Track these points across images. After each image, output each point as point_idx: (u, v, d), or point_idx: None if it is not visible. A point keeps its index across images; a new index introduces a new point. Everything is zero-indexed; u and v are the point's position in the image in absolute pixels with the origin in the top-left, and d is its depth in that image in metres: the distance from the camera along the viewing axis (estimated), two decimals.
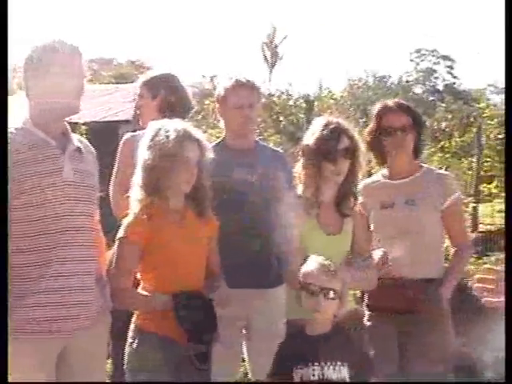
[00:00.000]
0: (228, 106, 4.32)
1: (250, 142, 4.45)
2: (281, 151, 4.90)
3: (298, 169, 3.83)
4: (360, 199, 4.24)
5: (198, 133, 3.56)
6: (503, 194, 13.72)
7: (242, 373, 5.13)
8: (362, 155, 3.83)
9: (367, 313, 4.27)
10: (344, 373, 3.29)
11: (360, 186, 4.35)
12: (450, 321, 4.19)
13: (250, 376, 4.61)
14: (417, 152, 4.27)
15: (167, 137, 3.42)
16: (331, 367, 3.27)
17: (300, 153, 3.84)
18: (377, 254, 3.96)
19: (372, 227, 4.26)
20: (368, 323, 4.24)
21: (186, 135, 3.46)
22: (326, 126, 3.74)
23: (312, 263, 3.37)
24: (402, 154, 4.21)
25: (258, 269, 4.16)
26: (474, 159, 12.32)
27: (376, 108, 4.33)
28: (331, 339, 3.35)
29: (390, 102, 4.30)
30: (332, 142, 3.70)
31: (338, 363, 3.29)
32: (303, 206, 3.74)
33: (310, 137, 3.79)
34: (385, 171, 4.33)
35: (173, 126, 3.49)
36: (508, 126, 2.57)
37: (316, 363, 3.26)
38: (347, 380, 3.28)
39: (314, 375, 3.24)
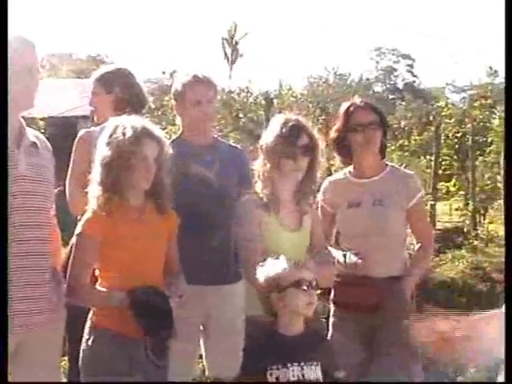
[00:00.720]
0: (186, 102, 4.29)
1: (208, 138, 4.43)
2: (239, 148, 4.89)
3: (258, 166, 3.82)
4: (326, 196, 4.28)
5: (156, 130, 3.54)
6: (461, 192, 13.91)
7: (200, 370, 5.12)
8: (320, 152, 3.83)
9: (332, 308, 4.27)
10: (318, 372, 3.28)
11: (326, 182, 4.39)
12: (408, 321, 4.18)
13: (207, 373, 4.60)
14: (383, 151, 4.28)
15: (124, 134, 3.40)
16: (309, 367, 3.25)
17: (259, 150, 3.83)
18: (352, 259, 3.99)
19: (338, 225, 4.27)
20: (333, 319, 4.25)
21: (144, 132, 3.44)
22: (286, 123, 3.74)
23: (280, 263, 3.33)
24: (369, 152, 4.20)
25: (216, 265, 4.15)
26: (433, 157, 12.40)
27: (343, 106, 4.33)
28: (305, 338, 3.33)
29: (358, 100, 4.30)
30: (291, 140, 3.70)
31: (314, 363, 3.28)
32: (262, 202, 3.74)
33: (269, 134, 3.79)
34: (350, 169, 4.32)
35: (131, 123, 3.46)
36: (508, 126, 2.59)
37: (295, 363, 3.24)
38: (320, 380, 3.27)
39: (293, 376, 3.21)
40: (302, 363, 3.24)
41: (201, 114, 4.26)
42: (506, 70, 2.88)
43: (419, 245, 4.30)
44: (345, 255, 3.98)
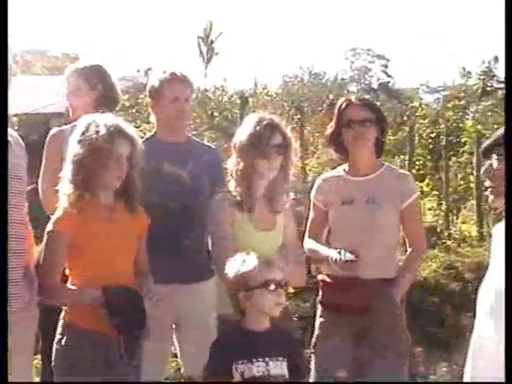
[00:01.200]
0: (163, 99, 4.27)
1: (182, 136, 4.42)
2: (213, 146, 4.89)
3: (231, 164, 3.81)
4: (319, 193, 4.26)
5: (129, 128, 3.53)
6: (434, 192, 13.98)
7: (174, 368, 5.13)
8: (294, 152, 3.83)
9: (320, 309, 4.24)
10: (284, 368, 3.28)
11: (319, 180, 4.38)
12: (404, 321, 4.18)
13: (182, 371, 4.60)
14: (378, 150, 4.25)
15: (97, 132, 3.39)
16: (274, 363, 3.25)
17: (232, 148, 3.82)
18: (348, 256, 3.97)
19: (331, 223, 4.24)
20: (320, 319, 4.22)
21: (116, 131, 3.43)
22: (259, 122, 3.73)
23: (251, 261, 3.31)
24: (363, 149, 4.17)
25: (189, 264, 4.15)
26: (407, 157, 12.47)
27: (339, 102, 4.30)
28: (271, 335, 3.33)
29: (354, 97, 4.28)
30: (265, 138, 3.69)
31: (280, 359, 3.27)
32: (235, 201, 3.73)
33: (242, 133, 3.77)
34: (346, 166, 4.28)
35: (104, 121, 3.45)
36: (508, 126, 2.59)
37: (260, 359, 3.24)
38: (286, 376, 3.27)
39: (258, 371, 3.21)
40: (267, 359, 3.24)
41: (177, 111, 4.24)
42: (505, 70, 2.89)
43: (411, 248, 4.25)
44: (340, 252, 3.93)
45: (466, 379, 3.04)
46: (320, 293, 4.23)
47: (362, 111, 4.14)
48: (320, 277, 4.19)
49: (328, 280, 4.13)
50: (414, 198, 4.22)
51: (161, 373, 4.42)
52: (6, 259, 3.04)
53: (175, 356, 4.66)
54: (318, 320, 4.22)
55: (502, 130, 2.98)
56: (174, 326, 4.32)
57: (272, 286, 3.26)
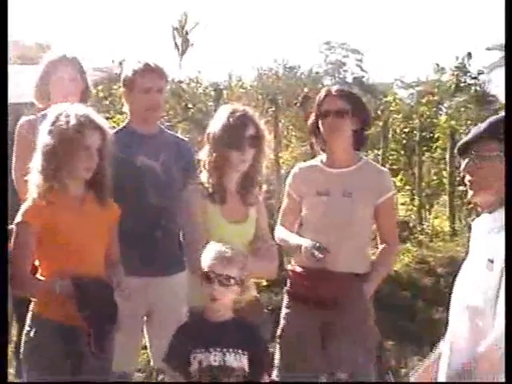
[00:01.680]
0: (135, 89, 4.24)
1: (155, 127, 4.40)
2: (185, 139, 4.88)
3: (203, 156, 3.78)
4: (294, 182, 4.26)
5: (99, 119, 3.51)
6: (407, 187, 14.03)
7: (145, 360, 5.10)
8: (267, 143, 3.81)
9: (286, 300, 4.23)
10: (244, 361, 3.27)
11: (295, 169, 4.37)
12: (373, 317, 4.20)
13: (152, 363, 4.58)
14: (357, 143, 4.21)
15: (67, 122, 3.36)
16: (232, 354, 3.24)
17: (205, 139, 3.79)
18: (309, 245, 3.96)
19: (304, 213, 4.22)
20: (286, 310, 4.21)
21: (87, 121, 3.41)
22: (233, 113, 3.70)
23: (209, 251, 3.33)
24: (338, 140, 4.15)
25: (160, 256, 4.13)
26: (380, 152, 12.49)
27: (320, 92, 4.29)
28: (232, 326, 3.32)
29: (334, 88, 4.24)
30: (238, 130, 3.66)
31: (240, 351, 3.27)
32: (207, 193, 3.71)
33: (216, 124, 3.74)
34: (324, 157, 4.27)
35: (74, 111, 3.42)
36: (508, 126, 2.59)
37: (217, 348, 3.23)
38: (246, 369, 3.26)
39: (215, 360, 3.21)
40: (225, 349, 3.23)
41: (149, 102, 4.22)
42: (506, 70, 2.89)
43: (385, 244, 4.24)
44: (315, 246, 3.93)
45: (440, 377, 3.05)
46: (288, 283, 4.22)
47: (339, 102, 4.13)
48: (289, 266, 4.19)
49: (297, 270, 4.12)
50: (391, 194, 4.23)
51: (132, 364, 4.41)
52: (6, 259, 3.00)
53: (146, 348, 4.64)
54: (284, 311, 4.22)
55: (478, 129, 3.00)
56: (145, 319, 4.30)
57: (227, 281, 3.25)
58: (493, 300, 2.78)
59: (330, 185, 4.13)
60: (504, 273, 2.73)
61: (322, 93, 4.23)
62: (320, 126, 4.17)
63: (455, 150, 3.12)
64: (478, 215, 3.25)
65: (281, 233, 4.18)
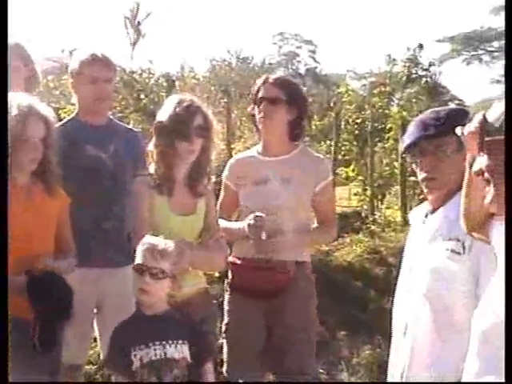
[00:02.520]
0: (82, 81, 4.22)
1: (104, 118, 4.37)
2: (135, 129, 4.87)
3: (151, 146, 3.75)
4: (231, 173, 4.26)
5: (43, 108, 3.46)
6: (360, 178, 14.12)
7: (96, 353, 5.07)
8: (215, 134, 3.79)
9: (229, 294, 4.22)
10: (185, 351, 3.24)
11: (232, 160, 4.38)
12: (315, 305, 4.22)
13: (101, 356, 4.55)
14: (293, 133, 4.19)
15: (10, 113, 3.28)
16: (173, 346, 3.21)
17: (153, 130, 3.76)
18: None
19: (242, 203, 4.22)
20: (230, 305, 4.21)
21: (30, 111, 3.36)
22: (180, 103, 3.68)
23: (142, 244, 3.28)
24: (270, 127, 4.14)
25: (110, 248, 4.12)
26: (333, 143, 12.56)
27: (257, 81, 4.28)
28: (168, 318, 3.29)
29: (272, 76, 4.23)
30: (185, 120, 3.64)
31: (179, 342, 3.23)
32: (154, 184, 3.68)
33: (163, 114, 3.71)
34: (259, 147, 4.27)
35: (17, 101, 3.36)
36: (508, 127, 2.59)
37: (157, 342, 3.19)
38: (189, 359, 3.24)
39: (156, 355, 3.17)
40: (165, 342, 3.20)
41: (97, 92, 4.20)
42: (506, 71, 2.90)
43: (320, 227, 4.26)
44: (255, 217, 3.92)
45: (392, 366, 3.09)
46: (230, 275, 4.21)
47: (274, 89, 4.12)
48: (230, 259, 4.15)
49: (238, 262, 4.12)
50: (329, 181, 4.23)
51: (82, 357, 4.41)
52: (6, 259, 2.96)
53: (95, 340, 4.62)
54: (227, 306, 4.22)
55: (440, 122, 3.01)
56: (95, 311, 4.29)
57: (158, 274, 3.22)
58: (466, 291, 2.82)
59: (267, 173, 4.13)
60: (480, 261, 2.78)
61: (260, 80, 4.22)
62: (256, 113, 4.17)
63: (402, 147, 3.13)
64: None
65: (221, 224, 4.15)
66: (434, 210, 3.03)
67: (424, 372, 2.93)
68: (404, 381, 3.00)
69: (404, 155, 3.14)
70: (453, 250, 2.86)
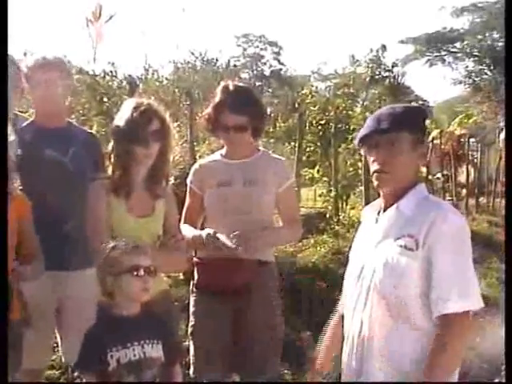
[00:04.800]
0: (33, 85, 4.22)
1: (61, 121, 4.37)
2: (94, 132, 4.88)
3: (109, 150, 3.75)
4: (195, 178, 4.28)
5: None
6: (325, 179, 14.19)
7: (59, 357, 5.05)
8: (172, 137, 3.79)
9: (194, 296, 4.24)
10: (160, 351, 3.25)
11: (196, 165, 4.40)
12: (280, 304, 4.27)
13: (63, 360, 4.53)
14: (254, 133, 4.23)
15: None
16: (150, 345, 3.22)
17: (111, 134, 3.76)
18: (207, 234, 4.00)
19: (207, 205, 4.25)
20: (196, 306, 4.23)
21: None
22: (136, 108, 3.67)
23: (124, 247, 3.25)
24: (237, 146, 4.22)
25: (69, 250, 4.10)
26: (297, 144, 12.59)
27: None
28: (143, 318, 3.28)
29: (225, 99, 4.20)
30: (142, 125, 3.63)
31: (155, 341, 3.24)
32: (112, 187, 3.67)
33: (120, 118, 3.71)
34: (223, 151, 4.32)
35: None
36: (508, 127, 2.61)
37: (135, 342, 3.19)
38: (163, 358, 3.25)
39: (135, 355, 3.17)
40: (142, 342, 3.20)
41: (48, 96, 4.21)
42: (506, 71, 2.93)
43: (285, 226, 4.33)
44: (209, 235, 3.97)
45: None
46: (195, 276, 4.23)
47: (237, 118, 4.12)
48: (194, 259, 4.19)
49: (202, 262, 4.15)
50: (290, 183, 4.31)
51: (43, 362, 4.41)
52: (6, 259, 2.92)
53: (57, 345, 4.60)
54: (193, 308, 4.24)
55: (392, 118, 3.04)
56: (55, 314, 4.26)
57: (140, 272, 3.21)
58: (419, 287, 2.85)
59: (231, 175, 4.18)
60: (433, 256, 2.82)
61: (219, 88, 4.24)
62: (219, 134, 4.24)
63: (356, 140, 3.16)
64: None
65: (184, 230, 4.16)
66: (386, 208, 3.06)
67: (382, 368, 2.94)
68: (362, 379, 3.02)
69: (359, 148, 3.15)
70: (405, 246, 2.89)
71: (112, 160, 3.71)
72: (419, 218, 2.89)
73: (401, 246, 2.91)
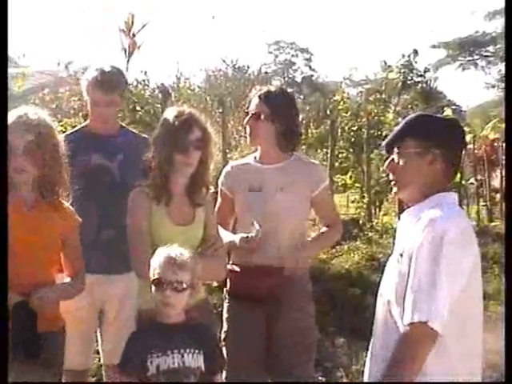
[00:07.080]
0: (92, 99, 4.33)
1: (114, 127, 4.46)
2: (147, 137, 4.90)
3: (150, 158, 3.76)
4: (226, 180, 4.30)
5: (34, 118, 3.39)
6: (357, 185, 14.15)
7: (97, 364, 5.09)
8: (213, 146, 3.81)
9: (227, 302, 4.26)
10: (201, 361, 3.27)
11: (228, 167, 4.40)
12: (313, 311, 4.27)
13: (102, 360, 4.58)
14: (283, 144, 4.19)
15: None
16: (190, 355, 3.24)
17: (151, 142, 3.79)
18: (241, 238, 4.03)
19: (238, 209, 4.26)
20: (229, 313, 4.24)
21: (17, 122, 3.33)
22: (178, 116, 3.69)
23: (158, 256, 3.29)
24: (257, 141, 4.22)
25: (114, 254, 4.16)
26: (329, 151, 12.58)
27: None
28: (186, 327, 3.32)
29: (261, 89, 4.24)
30: (183, 133, 3.65)
31: (196, 351, 3.27)
32: (153, 195, 3.69)
33: (161, 127, 3.75)
34: (257, 154, 4.31)
35: (16, 112, 3.38)
36: (508, 128, 2.62)
37: (175, 350, 3.22)
38: (203, 368, 3.27)
39: (173, 363, 3.20)
40: (182, 350, 3.23)
41: (98, 115, 4.34)
42: (506, 72, 2.93)
43: (328, 228, 4.36)
44: (243, 239, 4.01)
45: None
46: (228, 283, 4.24)
47: (257, 104, 4.16)
48: (228, 266, 4.16)
49: (235, 269, 4.13)
50: (324, 186, 4.27)
51: (85, 365, 4.43)
52: (6, 259, 2.97)
53: (98, 353, 4.64)
54: (226, 314, 4.25)
55: (400, 126, 3.06)
56: (98, 315, 4.35)
57: (179, 287, 3.23)
58: (402, 293, 2.84)
59: (262, 181, 4.17)
60: (413, 262, 2.80)
61: (252, 94, 4.27)
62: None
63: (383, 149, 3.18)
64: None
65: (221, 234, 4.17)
66: (399, 217, 3.10)
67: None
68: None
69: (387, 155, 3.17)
70: (400, 254, 2.92)
71: (152, 168, 3.74)
72: (415, 227, 2.89)
73: (399, 255, 2.94)
